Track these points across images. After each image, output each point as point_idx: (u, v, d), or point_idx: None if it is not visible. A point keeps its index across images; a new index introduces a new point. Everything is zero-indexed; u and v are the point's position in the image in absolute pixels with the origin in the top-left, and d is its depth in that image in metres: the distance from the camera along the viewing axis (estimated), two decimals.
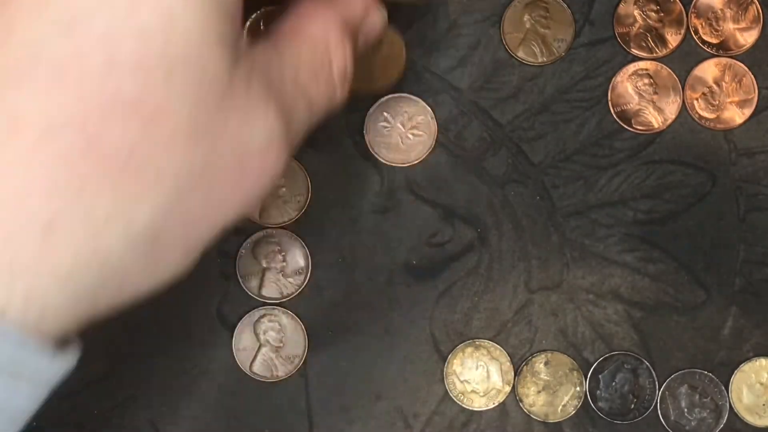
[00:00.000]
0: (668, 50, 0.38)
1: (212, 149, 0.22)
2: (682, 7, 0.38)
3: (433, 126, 0.37)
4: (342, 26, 0.27)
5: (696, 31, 0.37)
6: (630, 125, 0.38)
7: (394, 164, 0.38)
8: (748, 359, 0.37)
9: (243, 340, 0.38)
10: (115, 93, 0.20)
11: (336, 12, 0.28)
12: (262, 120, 0.23)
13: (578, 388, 0.38)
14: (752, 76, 0.37)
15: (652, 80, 0.38)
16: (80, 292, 0.21)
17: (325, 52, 0.27)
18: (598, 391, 0.38)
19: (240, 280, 0.38)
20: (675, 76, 0.38)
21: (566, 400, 0.38)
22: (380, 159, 0.38)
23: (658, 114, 0.38)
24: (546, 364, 0.38)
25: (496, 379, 0.38)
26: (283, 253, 0.38)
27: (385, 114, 0.37)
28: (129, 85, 0.21)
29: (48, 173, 0.20)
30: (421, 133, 0.38)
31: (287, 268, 0.38)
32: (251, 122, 0.23)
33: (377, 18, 0.30)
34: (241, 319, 0.38)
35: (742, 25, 0.37)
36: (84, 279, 0.21)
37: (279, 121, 0.24)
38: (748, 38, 0.37)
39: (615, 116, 0.38)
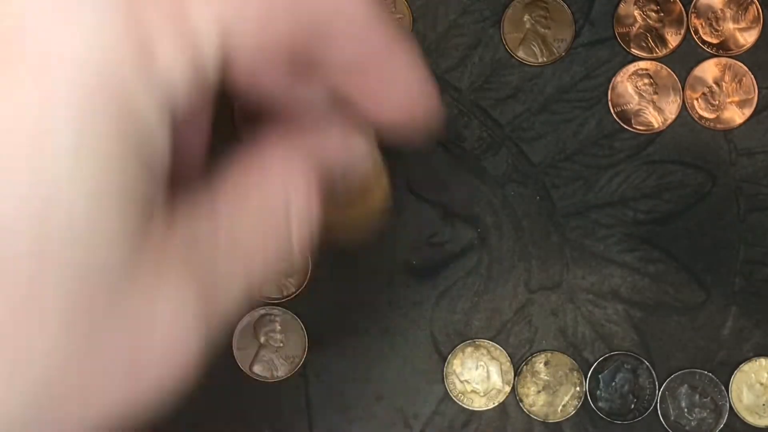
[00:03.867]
0: (668, 50, 0.38)
1: (95, 341, 0.18)
2: (682, 7, 0.38)
3: (403, 4, 0.37)
4: (309, 172, 0.20)
5: (696, 31, 0.38)
6: (630, 125, 0.38)
7: None
8: (748, 359, 0.37)
9: (243, 340, 0.38)
10: None
11: (302, 151, 0.20)
12: (173, 310, 0.19)
13: (578, 388, 0.38)
14: (752, 76, 0.37)
15: (652, 80, 0.38)
16: None
17: (281, 209, 0.20)
18: (598, 391, 0.38)
19: None
20: (675, 76, 0.38)
21: (566, 400, 0.38)
22: None
23: (658, 114, 0.38)
24: (546, 364, 0.38)
25: (496, 379, 0.38)
26: None
27: None
28: None
29: None
30: (398, 15, 0.37)
31: None
32: (157, 314, 0.18)
33: (358, 152, 0.21)
34: (240, 319, 0.38)
35: (742, 25, 0.37)
36: None
37: (197, 307, 0.19)
38: (748, 38, 0.37)
39: (615, 116, 0.38)
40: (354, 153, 0.21)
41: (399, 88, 0.21)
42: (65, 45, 0.14)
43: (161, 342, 0.19)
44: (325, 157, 0.20)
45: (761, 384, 0.37)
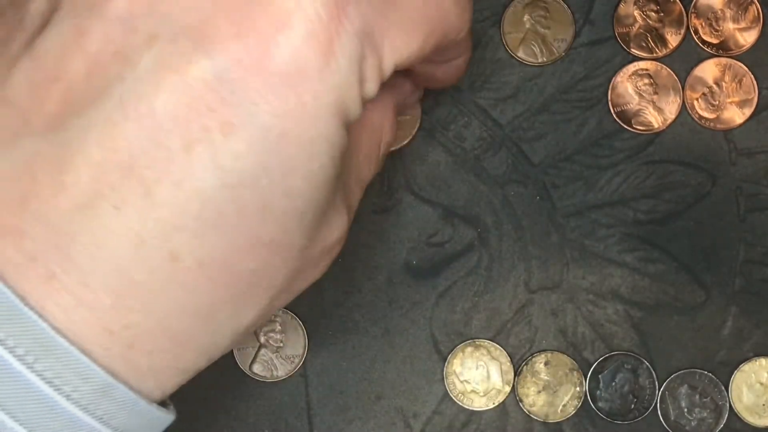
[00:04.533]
0: (668, 50, 0.38)
1: (307, 260, 0.27)
2: (682, 7, 0.38)
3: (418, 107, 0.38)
4: (395, 110, 0.31)
5: (696, 31, 0.38)
6: (630, 125, 0.38)
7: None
8: (748, 359, 0.37)
9: (243, 340, 0.38)
10: (259, 236, 0.24)
11: (392, 96, 0.31)
12: (340, 223, 0.28)
13: (578, 388, 0.38)
14: (752, 76, 0.37)
15: (652, 80, 0.38)
16: (191, 374, 0.26)
17: (379, 135, 0.30)
18: (598, 391, 0.38)
19: None
20: (675, 76, 0.38)
21: (566, 400, 0.38)
22: None
23: (658, 114, 0.38)
24: (546, 364, 0.38)
25: (496, 379, 0.38)
26: None
27: None
28: (270, 230, 0.24)
29: (192, 300, 0.24)
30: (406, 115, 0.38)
31: None
32: (333, 229, 0.27)
33: (416, 97, 0.34)
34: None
35: (742, 25, 0.37)
36: (198, 367, 0.26)
37: (348, 217, 0.28)
38: (748, 38, 0.38)
39: (615, 116, 0.38)
40: (412, 97, 0.34)
41: (457, 70, 0.32)
42: (327, 82, 0.24)
43: (331, 249, 0.28)
44: (399, 99, 0.32)
45: (761, 384, 0.37)
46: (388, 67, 0.26)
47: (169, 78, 0.23)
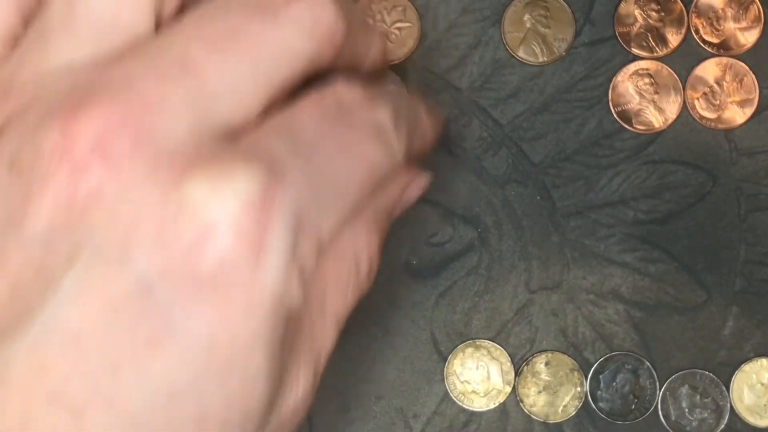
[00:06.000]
0: (669, 50, 0.38)
1: None
2: (682, 7, 0.37)
3: (413, 12, 0.37)
4: (372, 226, 0.27)
5: (697, 31, 0.37)
6: (630, 125, 0.38)
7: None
8: (748, 359, 0.37)
9: None
10: None
11: (363, 215, 0.27)
12: (297, 389, 0.26)
13: (579, 389, 0.38)
14: (753, 76, 0.37)
15: (652, 80, 0.38)
16: None
17: (352, 260, 0.26)
18: (599, 392, 0.38)
19: None
20: (676, 75, 0.38)
21: (567, 401, 0.38)
22: None
23: (658, 114, 0.38)
24: (546, 364, 0.38)
25: (497, 380, 0.38)
26: None
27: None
28: None
29: None
30: (406, 24, 0.37)
31: None
32: (289, 398, 0.25)
33: (416, 192, 0.30)
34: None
35: (743, 24, 0.37)
36: None
37: (313, 377, 0.26)
38: (749, 38, 0.37)
39: (615, 116, 0.38)
40: (409, 194, 0.29)
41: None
42: (259, 280, 0.22)
43: (290, 409, 0.26)
44: (385, 205, 0.28)
45: (762, 384, 0.37)
46: (327, 236, 0.24)
47: (91, 298, 0.22)
